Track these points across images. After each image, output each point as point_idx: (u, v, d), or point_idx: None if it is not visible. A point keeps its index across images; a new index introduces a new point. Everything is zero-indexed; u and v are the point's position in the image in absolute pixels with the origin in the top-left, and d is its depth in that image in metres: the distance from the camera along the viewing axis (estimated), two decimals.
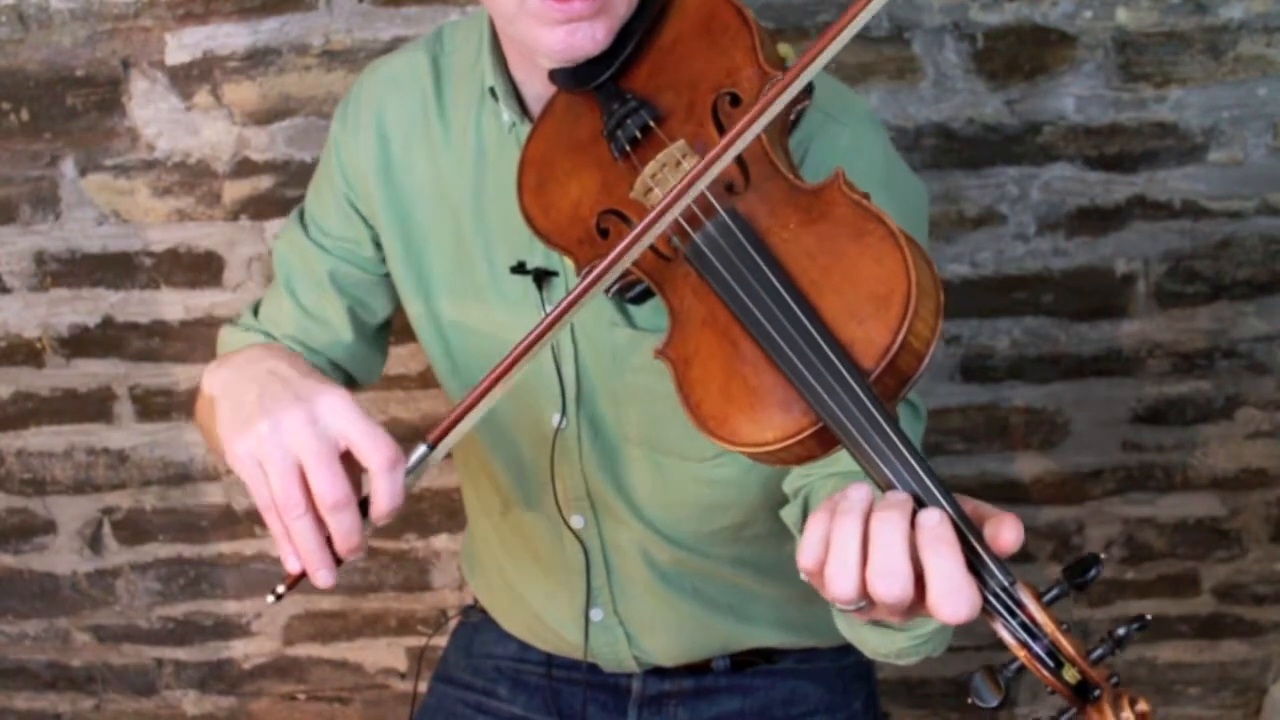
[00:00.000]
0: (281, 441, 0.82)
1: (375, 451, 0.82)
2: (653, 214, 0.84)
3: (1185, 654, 1.91)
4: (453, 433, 0.85)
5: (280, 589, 0.86)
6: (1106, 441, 1.76)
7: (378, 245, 1.20)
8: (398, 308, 1.24)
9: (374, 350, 1.26)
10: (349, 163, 1.18)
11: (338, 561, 0.84)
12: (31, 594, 1.94)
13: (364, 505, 0.84)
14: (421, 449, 0.85)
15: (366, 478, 0.85)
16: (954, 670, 1.90)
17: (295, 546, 0.83)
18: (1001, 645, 0.74)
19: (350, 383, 1.25)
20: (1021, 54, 1.53)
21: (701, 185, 0.84)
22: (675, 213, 0.84)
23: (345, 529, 0.83)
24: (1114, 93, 1.55)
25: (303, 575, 0.84)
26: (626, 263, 0.85)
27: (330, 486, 0.82)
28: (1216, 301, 1.66)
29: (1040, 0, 1.51)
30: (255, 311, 1.24)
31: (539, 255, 1.08)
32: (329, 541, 0.84)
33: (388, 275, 1.21)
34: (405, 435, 1.79)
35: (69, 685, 2.01)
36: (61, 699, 2.03)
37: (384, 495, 0.83)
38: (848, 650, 1.33)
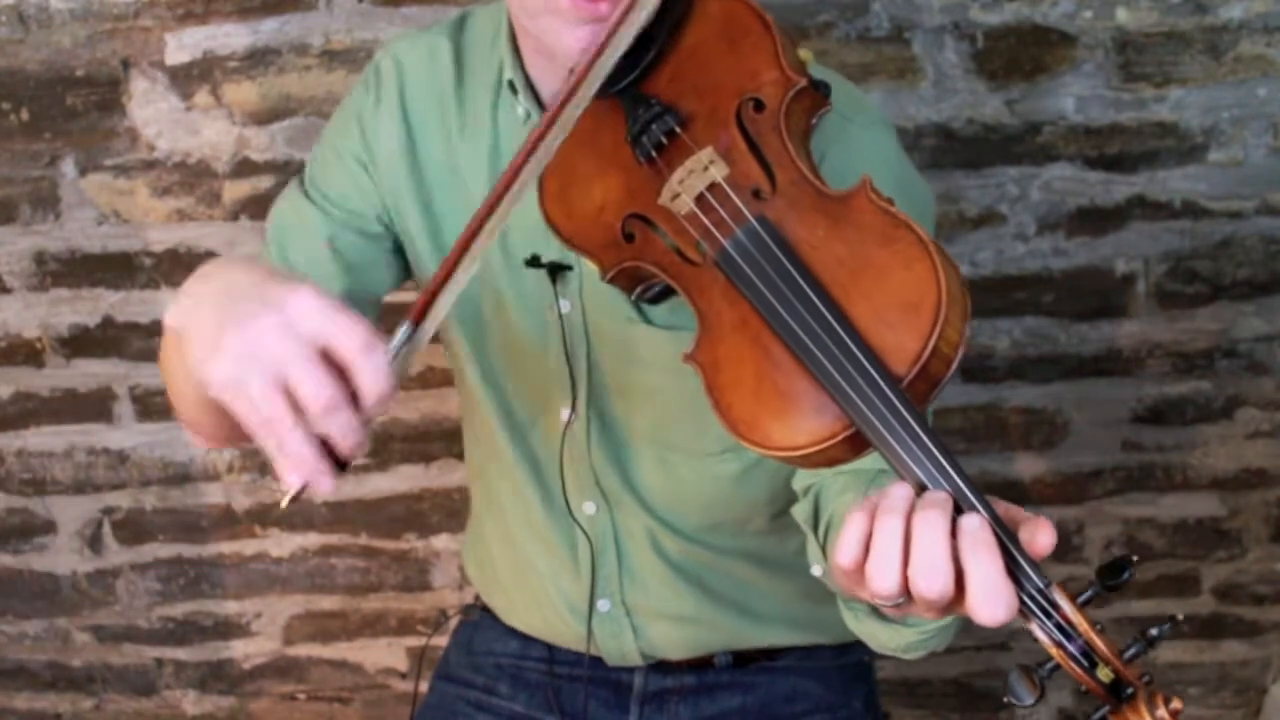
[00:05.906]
0: (258, 355, 0.76)
1: (349, 338, 0.76)
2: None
3: (1185, 654, 1.90)
4: (433, 308, 0.82)
5: (285, 502, 0.82)
6: (1106, 441, 1.76)
7: (384, 225, 1.17)
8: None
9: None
10: (373, 136, 1.16)
11: (343, 465, 0.80)
12: (31, 594, 1.94)
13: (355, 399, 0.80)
14: (404, 328, 0.82)
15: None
16: (954, 670, 1.90)
17: (291, 461, 0.78)
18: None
19: None
20: (1021, 54, 1.53)
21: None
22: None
23: (343, 428, 0.77)
24: (1114, 93, 1.55)
25: (305, 487, 0.80)
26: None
27: (318, 391, 0.76)
28: (1216, 301, 1.66)
29: (1040, 0, 1.51)
30: None
31: (554, 249, 1.08)
32: (326, 444, 0.78)
33: (393, 251, 1.18)
34: (406, 435, 1.79)
35: (69, 685, 2.01)
36: (61, 699, 2.03)
37: (369, 381, 0.77)
38: (849, 649, 1.33)
